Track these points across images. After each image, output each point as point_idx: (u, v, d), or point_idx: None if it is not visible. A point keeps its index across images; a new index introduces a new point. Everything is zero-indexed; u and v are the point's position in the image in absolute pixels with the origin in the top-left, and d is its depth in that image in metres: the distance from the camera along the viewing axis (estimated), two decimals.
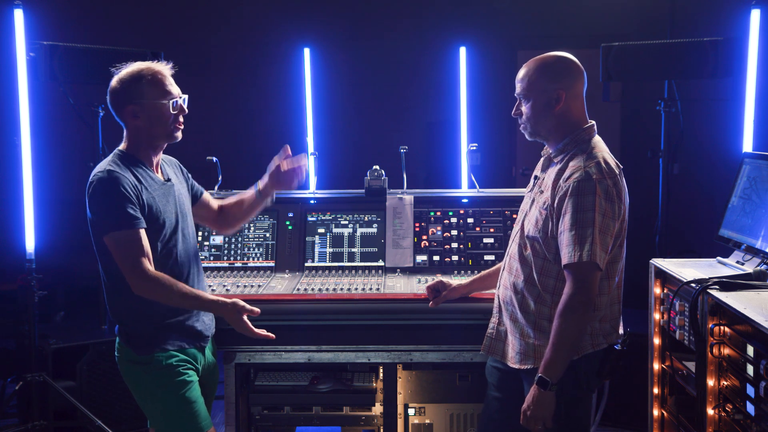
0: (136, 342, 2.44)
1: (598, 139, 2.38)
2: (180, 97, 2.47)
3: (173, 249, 2.49)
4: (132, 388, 2.51)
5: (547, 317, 2.33)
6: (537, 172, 2.53)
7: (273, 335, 2.54)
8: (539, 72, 2.36)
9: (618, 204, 2.26)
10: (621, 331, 2.41)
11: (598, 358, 2.34)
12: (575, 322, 2.22)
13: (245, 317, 2.47)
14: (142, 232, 2.36)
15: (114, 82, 2.43)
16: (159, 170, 2.54)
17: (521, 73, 2.41)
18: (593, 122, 2.41)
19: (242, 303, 2.46)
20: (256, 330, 2.49)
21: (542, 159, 2.50)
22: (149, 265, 2.35)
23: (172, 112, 2.43)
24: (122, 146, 2.48)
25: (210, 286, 3.00)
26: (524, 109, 2.40)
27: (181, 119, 2.48)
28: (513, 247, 2.47)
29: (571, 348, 2.25)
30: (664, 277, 2.94)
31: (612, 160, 2.32)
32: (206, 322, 2.59)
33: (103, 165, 2.39)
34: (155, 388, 2.45)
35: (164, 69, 2.45)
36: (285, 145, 2.72)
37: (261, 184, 2.76)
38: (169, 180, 2.55)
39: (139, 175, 2.41)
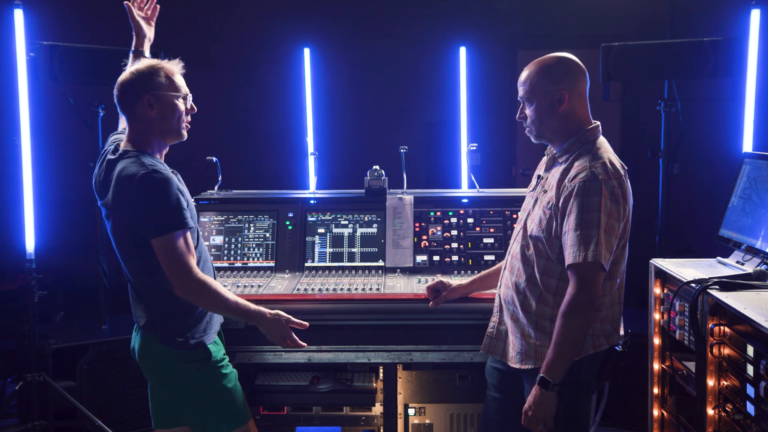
0: (188, 339, 2.40)
1: (603, 140, 2.38)
2: (190, 96, 2.51)
3: (202, 246, 2.51)
4: (178, 388, 2.46)
5: (549, 317, 2.33)
6: (540, 171, 2.52)
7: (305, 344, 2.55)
8: (541, 74, 2.35)
9: (623, 205, 2.26)
10: (622, 331, 2.41)
11: (598, 359, 2.33)
12: (578, 323, 2.22)
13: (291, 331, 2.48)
14: (189, 234, 2.35)
15: (126, 74, 2.43)
16: None
17: (523, 75, 2.40)
18: (598, 123, 2.40)
19: (286, 315, 2.48)
20: (300, 341, 2.51)
21: (546, 158, 2.50)
22: (197, 268, 2.34)
23: (183, 108, 2.46)
24: (129, 146, 2.42)
25: None
26: (528, 112, 2.39)
27: (189, 118, 2.50)
28: (515, 247, 2.47)
29: (574, 348, 2.25)
30: (664, 277, 2.94)
31: (617, 161, 2.32)
32: None
33: (137, 166, 2.31)
34: (210, 383, 2.44)
35: (176, 67, 2.49)
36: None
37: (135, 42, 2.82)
38: (174, 172, 2.53)
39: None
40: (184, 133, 2.49)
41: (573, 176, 2.27)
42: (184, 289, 2.31)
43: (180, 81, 2.47)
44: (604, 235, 2.20)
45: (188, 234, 2.33)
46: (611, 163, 2.28)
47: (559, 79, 2.34)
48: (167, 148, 2.51)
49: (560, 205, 2.28)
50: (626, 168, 2.34)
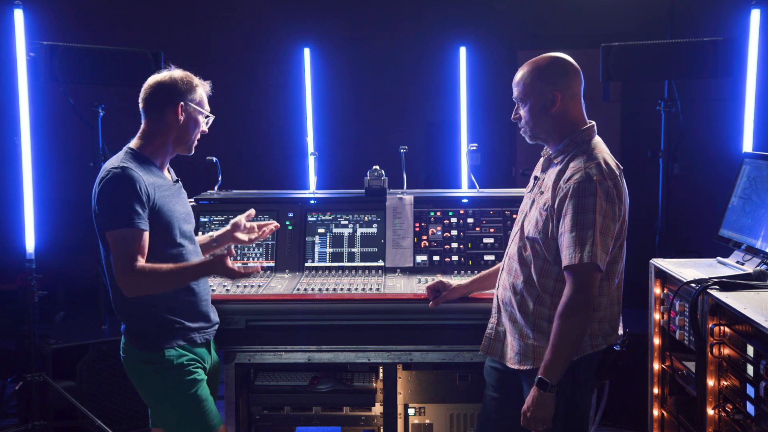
0: (145, 340, 2.43)
1: (598, 140, 2.38)
2: (212, 118, 2.60)
3: (183, 249, 2.50)
4: (141, 388, 2.51)
5: (547, 318, 2.33)
6: (537, 172, 2.52)
7: (260, 268, 2.58)
8: (534, 74, 2.36)
9: (618, 205, 2.26)
10: (620, 331, 2.41)
11: (597, 359, 2.33)
12: (575, 324, 2.22)
13: (229, 260, 2.44)
14: (145, 235, 2.36)
15: (165, 77, 2.49)
16: (167, 172, 2.58)
17: (517, 76, 2.41)
18: (593, 123, 2.41)
19: (221, 253, 2.49)
20: (247, 268, 2.47)
21: (542, 159, 2.50)
22: (142, 263, 2.34)
23: (203, 126, 2.57)
24: (134, 144, 2.48)
25: (210, 285, 3.00)
26: (522, 112, 2.41)
27: (199, 136, 2.59)
28: (512, 248, 2.47)
29: (571, 349, 2.25)
30: (664, 277, 2.94)
31: (612, 161, 2.32)
32: (210, 310, 2.62)
33: (117, 161, 2.39)
34: (166, 388, 2.45)
35: (207, 88, 2.59)
36: (251, 210, 2.87)
37: (217, 234, 2.85)
38: (177, 181, 2.60)
39: (151, 174, 2.43)
40: (193, 149, 2.58)
41: (568, 177, 2.27)
42: (127, 286, 2.34)
43: (207, 102, 2.57)
44: (599, 236, 2.20)
45: (143, 234, 2.35)
46: (606, 164, 2.28)
47: (551, 79, 2.34)
48: (173, 155, 2.57)
49: (556, 206, 2.28)
50: (622, 168, 2.34)
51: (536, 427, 2.30)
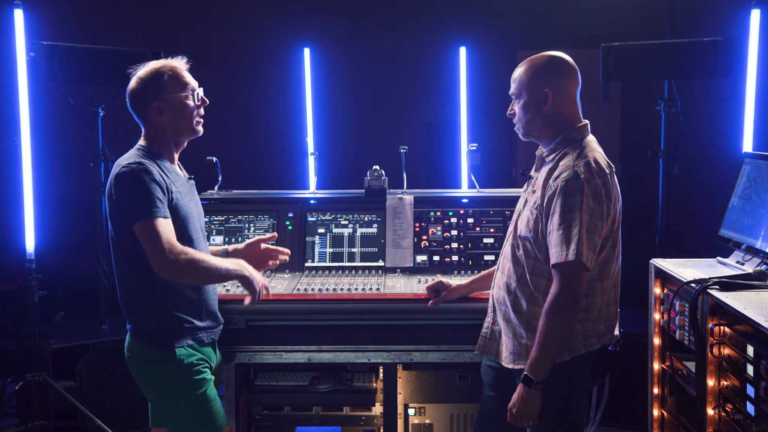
0: (155, 339, 2.42)
1: (591, 139, 2.38)
2: (199, 89, 2.51)
3: (196, 246, 2.49)
4: (147, 387, 2.49)
5: (540, 317, 2.32)
6: (532, 172, 2.53)
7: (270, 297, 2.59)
8: (529, 72, 2.38)
9: (607, 204, 2.25)
10: (617, 332, 2.40)
11: (590, 359, 2.33)
12: (561, 322, 2.21)
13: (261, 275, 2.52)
14: (170, 222, 2.35)
15: (133, 82, 2.45)
16: (179, 169, 2.57)
17: (515, 73, 2.43)
18: (587, 121, 2.41)
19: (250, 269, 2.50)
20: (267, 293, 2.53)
21: (537, 159, 2.51)
22: (179, 245, 2.34)
23: (194, 104, 2.48)
24: (143, 143, 2.47)
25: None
26: (516, 109, 2.42)
27: (202, 111, 2.52)
28: (506, 248, 2.48)
29: (557, 347, 2.25)
30: (664, 277, 2.94)
31: (603, 160, 2.31)
32: (217, 310, 2.61)
33: (131, 158, 2.38)
34: (176, 387, 2.44)
35: (180, 63, 2.50)
36: (274, 233, 2.83)
37: (232, 248, 2.82)
38: (191, 178, 2.59)
39: (164, 169, 2.42)
40: (199, 128, 2.52)
41: (557, 176, 2.27)
42: (168, 267, 2.30)
43: (186, 77, 2.48)
44: (585, 234, 2.19)
45: (170, 222, 2.34)
46: (596, 162, 2.27)
47: (545, 78, 2.35)
48: (183, 145, 2.54)
49: (545, 204, 2.29)
50: (613, 167, 2.34)
51: (522, 423, 2.30)
